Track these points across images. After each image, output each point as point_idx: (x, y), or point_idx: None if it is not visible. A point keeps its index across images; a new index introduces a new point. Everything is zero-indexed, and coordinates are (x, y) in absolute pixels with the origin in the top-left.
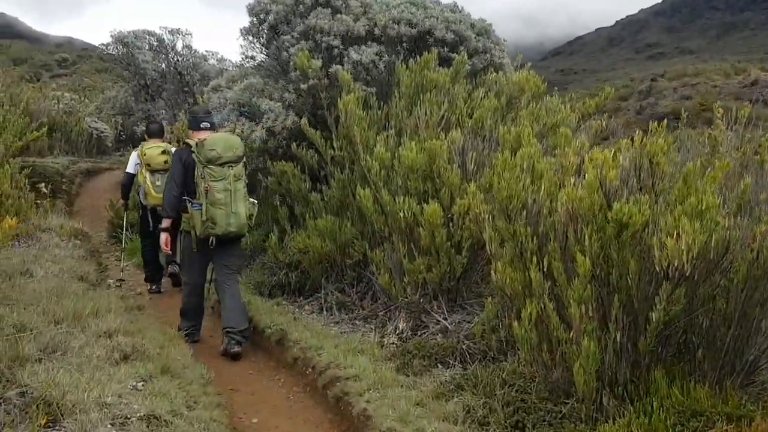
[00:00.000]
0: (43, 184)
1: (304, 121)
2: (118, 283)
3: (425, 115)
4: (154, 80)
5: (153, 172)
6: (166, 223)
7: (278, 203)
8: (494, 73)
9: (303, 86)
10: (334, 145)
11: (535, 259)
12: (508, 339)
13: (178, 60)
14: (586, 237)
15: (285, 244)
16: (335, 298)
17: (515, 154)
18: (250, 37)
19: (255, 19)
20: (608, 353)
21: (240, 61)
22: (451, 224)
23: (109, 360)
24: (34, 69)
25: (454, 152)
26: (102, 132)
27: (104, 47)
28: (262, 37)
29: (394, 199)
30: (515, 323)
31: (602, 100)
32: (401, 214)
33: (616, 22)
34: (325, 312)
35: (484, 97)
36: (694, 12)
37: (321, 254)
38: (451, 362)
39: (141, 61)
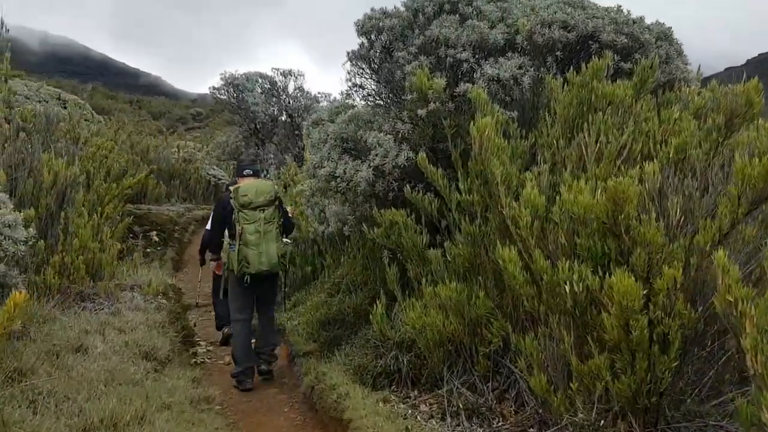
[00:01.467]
0: (154, 232)
1: (421, 156)
2: (207, 350)
3: (595, 144)
4: (265, 124)
5: None
6: (214, 255)
7: (386, 261)
8: (686, 88)
9: (421, 112)
10: (461, 186)
11: None
12: None
13: (289, 102)
14: None
15: (394, 316)
16: (463, 398)
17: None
18: (359, 63)
19: (365, 39)
20: None
21: (346, 90)
22: (650, 306)
23: None
24: (171, 122)
25: (648, 195)
26: (219, 179)
27: (214, 91)
28: (373, 61)
29: (554, 265)
30: None
31: None
32: (567, 287)
33: None
34: (449, 418)
35: (678, 118)
36: None
37: (443, 334)
38: None
39: (251, 104)
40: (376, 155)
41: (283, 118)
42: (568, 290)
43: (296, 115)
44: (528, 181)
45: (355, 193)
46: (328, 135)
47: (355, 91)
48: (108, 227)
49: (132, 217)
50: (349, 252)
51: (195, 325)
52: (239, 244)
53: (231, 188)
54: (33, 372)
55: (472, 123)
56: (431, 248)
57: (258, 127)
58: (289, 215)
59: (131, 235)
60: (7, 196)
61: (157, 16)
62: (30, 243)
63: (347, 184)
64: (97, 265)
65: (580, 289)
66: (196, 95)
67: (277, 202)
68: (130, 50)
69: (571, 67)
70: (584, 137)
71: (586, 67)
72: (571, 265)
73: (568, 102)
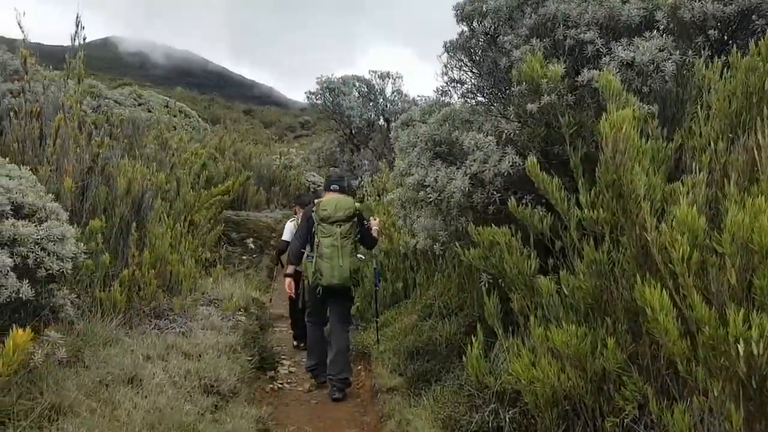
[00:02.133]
0: (251, 240)
1: (531, 161)
2: (289, 371)
3: None
4: (360, 129)
5: None
6: (290, 270)
7: (484, 287)
8: None
9: (531, 107)
10: (583, 199)
11: None
12: None
13: (386, 106)
14: None
15: (494, 358)
16: None
17: None
18: (458, 54)
19: (465, 26)
20: None
21: (441, 87)
22: None
23: None
24: (280, 130)
25: None
26: (319, 185)
27: (311, 96)
28: (474, 52)
29: (720, 314)
30: None
31: None
32: (739, 346)
33: None
34: None
35: None
36: None
37: (557, 390)
38: None
39: (346, 108)
40: (474, 160)
41: (380, 123)
42: (741, 350)
43: (393, 119)
44: (681, 196)
45: (448, 206)
46: (418, 137)
47: (452, 86)
48: (193, 237)
49: (229, 224)
50: (443, 269)
51: (276, 344)
52: (315, 256)
53: (315, 201)
54: (72, 410)
55: (598, 119)
56: (542, 276)
57: (353, 132)
58: (372, 229)
59: (228, 243)
60: (61, 206)
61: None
62: (82, 259)
63: (438, 195)
64: (174, 278)
65: (760, 351)
66: (306, 104)
67: (355, 218)
68: (245, 62)
69: (733, 48)
70: (756, 137)
71: (756, 45)
72: (746, 315)
73: (730, 91)
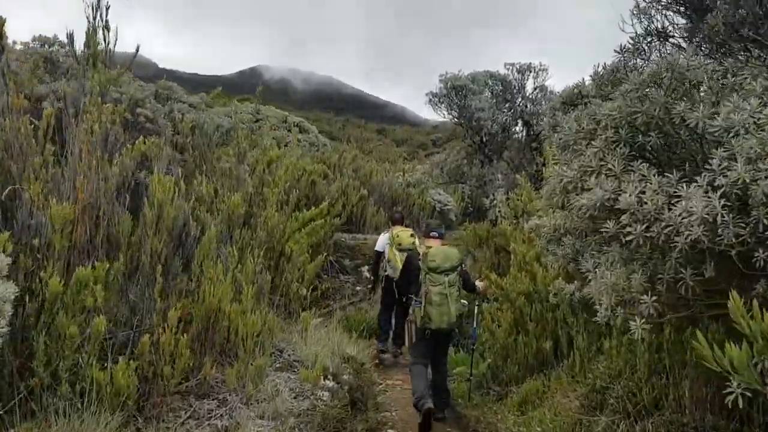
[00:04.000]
0: (366, 267)
1: None
2: None
3: None
4: (493, 135)
5: (401, 250)
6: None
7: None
8: None
9: None
10: None
11: None
12: None
13: (525, 106)
14: None
15: None
16: None
17: None
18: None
19: None
20: None
21: (629, 43)
22: None
23: None
24: (412, 148)
25: None
26: (445, 205)
27: (432, 98)
28: None
29: None
30: None
31: None
32: None
33: None
34: None
35: None
36: None
37: None
38: None
39: (476, 110)
40: (740, 158)
41: (518, 128)
42: None
43: (534, 122)
44: None
45: (668, 247)
46: (597, 122)
47: (648, 43)
48: (278, 272)
49: (343, 249)
50: (618, 334)
51: (382, 420)
52: (425, 303)
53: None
54: None
55: None
56: None
57: (484, 139)
58: (474, 282)
59: (341, 271)
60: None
61: (404, 49)
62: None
63: (647, 227)
64: (235, 336)
65: None
66: (438, 122)
67: (459, 267)
68: (379, 84)
69: None
70: None
71: None
72: None
73: None
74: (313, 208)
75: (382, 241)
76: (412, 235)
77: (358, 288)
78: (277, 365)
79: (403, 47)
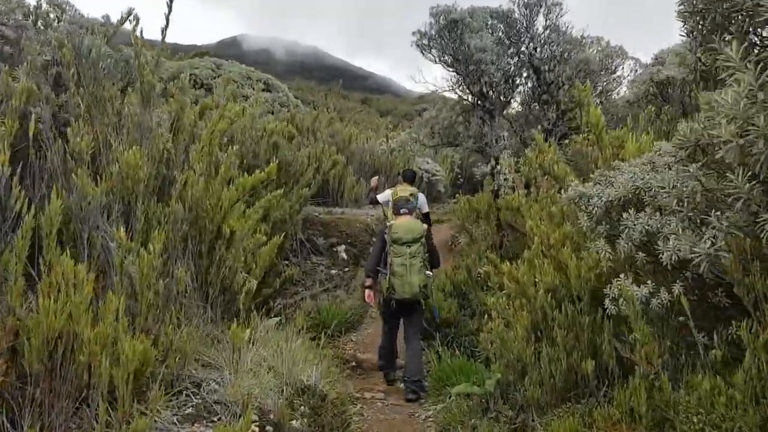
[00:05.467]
0: (343, 247)
1: None
2: None
3: None
4: (496, 84)
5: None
6: (368, 282)
7: None
8: None
9: None
10: None
11: None
12: None
13: (535, 50)
14: None
15: None
16: None
17: None
18: None
19: None
20: None
21: None
22: None
23: None
24: (397, 118)
25: None
26: (433, 175)
27: (421, 37)
28: None
29: None
30: None
31: None
32: None
33: None
34: None
35: None
36: None
37: None
38: None
39: (474, 50)
40: None
41: (525, 75)
42: None
43: (547, 68)
44: None
45: None
46: None
47: None
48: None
49: (315, 225)
50: (711, 352)
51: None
52: (389, 274)
53: (395, 189)
54: None
55: None
56: None
57: (485, 90)
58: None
59: (313, 251)
60: None
61: (387, 18)
62: None
63: None
64: (99, 376)
65: None
66: (422, 93)
67: (423, 239)
68: (363, 54)
69: None
70: None
71: None
72: None
73: None
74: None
75: (386, 195)
76: (411, 194)
77: (332, 272)
78: (188, 410)
79: (387, 17)
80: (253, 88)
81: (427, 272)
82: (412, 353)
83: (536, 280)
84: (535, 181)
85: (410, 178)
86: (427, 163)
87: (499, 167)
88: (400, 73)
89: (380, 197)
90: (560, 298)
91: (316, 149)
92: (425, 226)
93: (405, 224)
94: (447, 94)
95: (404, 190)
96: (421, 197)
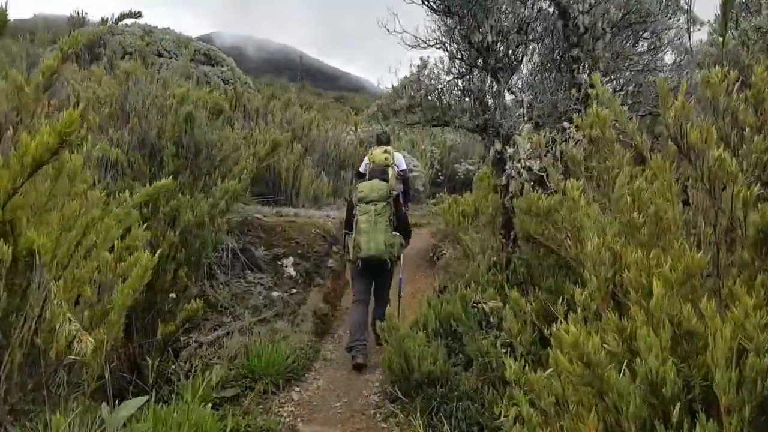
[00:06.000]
0: (290, 260)
1: None
2: None
3: None
4: (504, 35)
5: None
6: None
7: None
8: None
9: None
10: None
11: None
12: None
13: None
14: None
15: None
16: None
17: None
18: None
19: None
20: None
21: None
22: None
23: None
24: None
25: None
26: (410, 171)
27: None
28: None
29: None
30: None
31: None
32: None
33: None
34: None
35: None
36: None
37: None
38: None
39: None
40: None
41: (544, 18)
42: None
43: (579, 8)
44: None
45: None
46: None
47: None
48: None
49: (254, 231)
50: None
51: None
52: (354, 232)
53: (369, 152)
54: None
55: None
56: None
57: (489, 41)
58: (408, 224)
59: (250, 266)
60: None
61: (361, 20)
62: None
63: None
64: None
65: None
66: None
67: (390, 200)
68: (337, 54)
69: None
70: None
71: None
72: None
73: None
74: (173, 162)
75: (364, 164)
76: (385, 151)
77: (274, 294)
78: None
79: (361, 18)
80: (192, 60)
81: (394, 233)
82: (381, 310)
83: (619, 353)
84: (579, 164)
85: (386, 141)
86: (404, 157)
87: (511, 150)
88: (375, 73)
89: (362, 169)
90: (672, 398)
91: (254, 131)
92: (395, 186)
93: (369, 183)
94: (436, 53)
95: (379, 153)
96: (398, 155)
